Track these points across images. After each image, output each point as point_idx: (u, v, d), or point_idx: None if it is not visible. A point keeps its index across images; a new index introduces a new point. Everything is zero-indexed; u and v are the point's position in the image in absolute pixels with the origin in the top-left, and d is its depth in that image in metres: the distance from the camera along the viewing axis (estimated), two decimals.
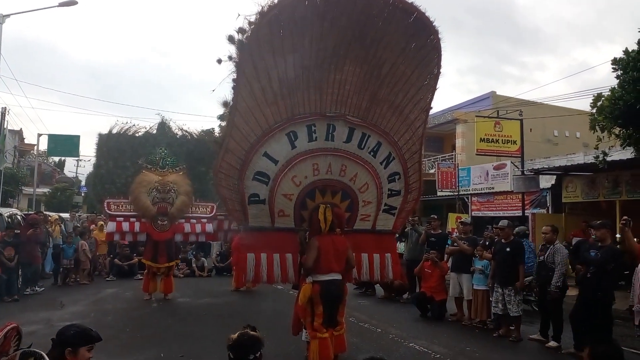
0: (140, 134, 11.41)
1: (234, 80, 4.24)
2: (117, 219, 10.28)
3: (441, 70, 4.62)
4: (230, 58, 4.13)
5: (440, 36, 4.36)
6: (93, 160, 11.68)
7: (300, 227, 5.10)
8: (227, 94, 4.44)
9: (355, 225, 5.27)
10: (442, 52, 4.49)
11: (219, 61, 4.18)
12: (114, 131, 11.29)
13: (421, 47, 4.40)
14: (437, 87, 4.79)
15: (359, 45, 4.28)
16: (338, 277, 4.94)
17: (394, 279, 6.31)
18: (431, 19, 4.25)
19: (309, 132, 4.64)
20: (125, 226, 10.21)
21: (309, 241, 5.02)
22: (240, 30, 4.06)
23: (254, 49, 4.11)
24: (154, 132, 11.52)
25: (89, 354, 2.67)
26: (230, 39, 4.11)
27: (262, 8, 3.93)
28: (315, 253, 4.82)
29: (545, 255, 6.92)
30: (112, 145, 11.20)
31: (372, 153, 4.92)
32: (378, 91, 4.62)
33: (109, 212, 10.50)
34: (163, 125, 11.65)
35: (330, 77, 4.42)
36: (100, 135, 11.29)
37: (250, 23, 4.01)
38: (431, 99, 4.84)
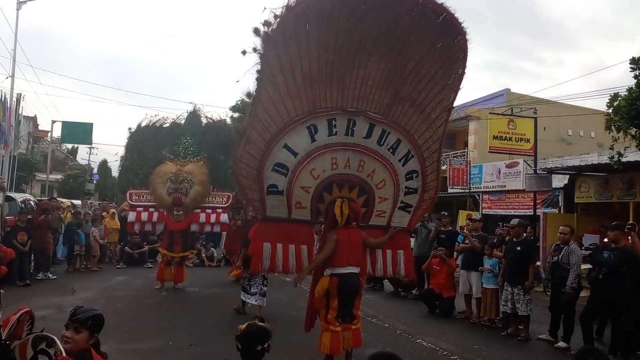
0: (167, 125, 11.45)
1: (258, 72, 4.25)
2: (137, 209, 10.50)
3: (466, 71, 4.59)
4: (254, 50, 4.14)
5: (467, 37, 4.35)
6: (121, 152, 11.72)
7: (316, 219, 5.13)
8: (249, 85, 4.48)
9: (370, 221, 5.27)
10: (468, 52, 4.48)
11: (244, 52, 4.18)
12: (143, 124, 11.35)
13: (448, 46, 4.38)
14: (460, 87, 4.75)
15: (384, 42, 4.28)
16: (356, 270, 4.97)
17: (405, 277, 6.28)
18: (460, 20, 4.23)
19: (330, 126, 4.66)
20: (144, 216, 10.40)
21: (325, 234, 5.04)
22: (266, 23, 4.07)
23: (279, 42, 4.12)
24: (181, 122, 11.54)
25: (62, 332, 2.66)
26: (256, 31, 4.11)
27: (289, 2, 3.94)
28: (332, 245, 4.86)
29: (560, 256, 6.83)
30: (139, 138, 11.28)
31: (391, 150, 4.91)
32: (401, 89, 4.60)
33: (131, 202, 10.72)
34: (194, 115, 11.67)
35: (353, 72, 4.42)
36: (131, 131, 11.38)
37: (276, 16, 4.00)
38: (454, 98, 4.82)
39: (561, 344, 6.68)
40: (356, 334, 5.06)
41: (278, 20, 4.00)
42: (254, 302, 7.68)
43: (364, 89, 4.53)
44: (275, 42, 4.12)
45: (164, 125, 11.40)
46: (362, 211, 5.16)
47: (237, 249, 9.44)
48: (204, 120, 11.74)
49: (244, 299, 7.89)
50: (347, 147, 4.83)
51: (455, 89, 4.73)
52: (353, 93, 4.54)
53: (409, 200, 5.23)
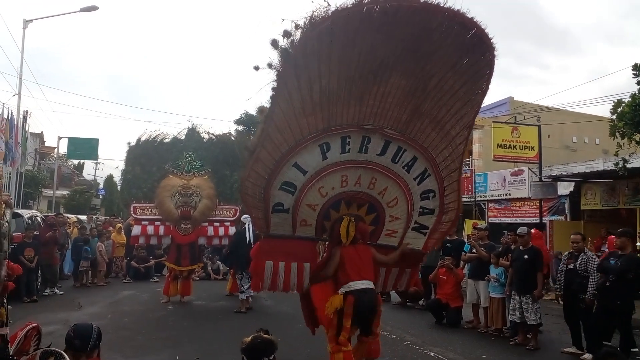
0: (168, 140, 11.55)
1: (273, 89, 4.02)
2: (142, 222, 10.49)
3: (490, 87, 4.35)
4: (270, 66, 3.93)
5: (496, 52, 4.09)
6: (121, 166, 11.79)
7: (320, 237, 4.99)
8: (261, 100, 4.20)
9: (379, 240, 5.07)
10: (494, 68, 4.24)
11: (256, 68, 3.99)
12: (143, 139, 11.45)
13: (474, 62, 4.14)
14: (482, 103, 4.53)
15: (409, 58, 4.07)
16: (371, 285, 4.76)
17: (406, 289, 6.20)
18: (490, 35, 3.98)
19: (343, 143, 4.45)
20: (150, 229, 10.39)
21: (329, 251, 4.93)
22: (286, 34, 3.83)
23: (299, 60, 3.89)
24: (182, 137, 11.65)
25: None
26: (274, 43, 3.88)
27: (313, 18, 3.69)
28: (336, 262, 4.73)
29: (577, 264, 6.72)
30: (140, 152, 11.36)
31: (405, 168, 4.68)
32: (421, 105, 4.35)
33: (135, 215, 10.70)
34: (193, 132, 11.77)
35: (373, 89, 4.19)
36: (130, 146, 11.47)
37: (297, 26, 3.75)
38: (475, 115, 4.56)
39: (587, 356, 6.45)
40: (375, 345, 4.91)
41: (300, 37, 3.75)
42: (246, 296, 9.18)
43: (383, 105, 4.29)
44: (295, 60, 3.88)
45: (165, 141, 11.49)
46: (370, 229, 4.97)
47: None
48: (206, 136, 11.82)
49: (241, 298, 9.18)
50: (359, 165, 4.61)
51: (478, 106, 4.47)
52: (371, 110, 4.30)
53: (424, 221, 4.97)
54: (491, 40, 4.01)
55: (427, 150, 4.61)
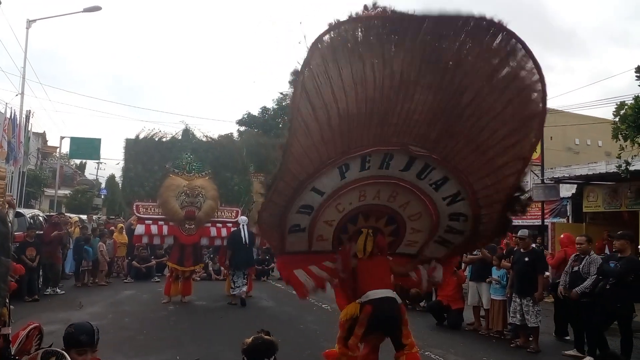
0: (166, 139, 11.57)
1: (289, 121, 3.85)
2: (146, 221, 10.43)
3: (547, 111, 3.76)
4: (284, 96, 3.81)
5: (539, 62, 3.48)
6: (121, 164, 11.76)
7: (336, 250, 4.81)
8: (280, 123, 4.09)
9: (398, 250, 4.91)
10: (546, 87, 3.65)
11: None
12: (141, 136, 11.46)
13: (514, 76, 3.58)
14: (541, 133, 3.99)
15: (430, 69, 3.63)
16: (391, 294, 4.61)
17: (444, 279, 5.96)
18: (522, 40, 3.41)
19: (363, 162, 4.14)
20: (154, 229, 10.35)
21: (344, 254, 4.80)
22: (295, 73, 3.55)
23: (308, 84, 3.56)
24: (180, 137, 11.68)
25: (80, 357, 2.66)
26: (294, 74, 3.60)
27: (314, 40, 3.38)
28: (353, 263, 4.66)
29: (581, 266, 6.73)
30: (140, 150, 11.33)
31: (433, 186, 4.29)
32: (455, 123, 3.89)
33: (138, 214, 10.64)
34: (187, 132, 11.80)
35: (397, 107, 3.80)
36: (128, 140, 11.44)
37: (311, 49, 3.43)
38: (531, 148, 3.96)
39: (588, 359, 6.44)
40: (414, 357, 4.61)
41: (304, 59, 3.46)
42: (239, 292, 9.91)
43: (408, 122, 3.91)
44: (306, 89, 3.59)
45: (163, 140, 11.50)
46: (388, 241, 4.81)
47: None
48: (203, 138, 11.84)
49: (235, 293, 9.90)
50: (379, 179, 4.32)
51: (534, 135, 3.90)
52: (394, 129, 3.93)
53: (450, 238, 4.65)
54: (528, 47, 3.46)
55: (462, 172, 4.14)
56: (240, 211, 10.94)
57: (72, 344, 2.64)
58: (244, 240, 9.97)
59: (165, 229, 10.34)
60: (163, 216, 10.30)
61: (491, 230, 4.47)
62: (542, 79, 3.54)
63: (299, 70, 3.50)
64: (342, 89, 3.61)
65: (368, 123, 3.86)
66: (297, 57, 3.49)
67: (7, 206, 2.50)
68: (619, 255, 6.15)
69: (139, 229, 10.60)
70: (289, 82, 3.61)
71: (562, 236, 8.84)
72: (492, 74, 3.60)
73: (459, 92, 3.70)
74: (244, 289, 10.04)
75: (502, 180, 4.06)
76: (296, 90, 3.57)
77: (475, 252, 8.35)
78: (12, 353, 2.38)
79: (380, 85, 3.63)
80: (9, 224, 2.76)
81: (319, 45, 3.42)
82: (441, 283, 5.59)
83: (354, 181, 4.27)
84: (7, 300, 2.83)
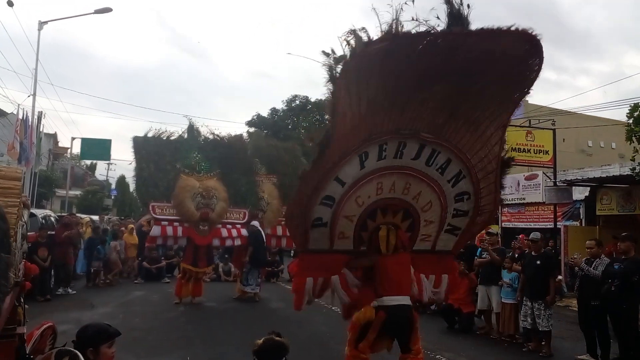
0: (174, 137, 11.59)
1: (331, 113, 3.97)
2: (162, 223, 10.39)
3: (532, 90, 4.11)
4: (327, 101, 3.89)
5: (543, 58, 3.81)
6: (133, 164, 11.71)
7: (358, 249, 4.85)
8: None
9: (415, 246, 4.98)
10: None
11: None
12: (149, 135, 11.48)
13: (522, 70, 3.94)
14: (520, 103, 4.36)
15: (459, 72, 3.89)
16: (406, 301, 4.66)
17: (445, 301, 6.03)
18: (541, 43, 3.67)
19: (380, 150, 4.36)
20: (169, 230, 10.32)
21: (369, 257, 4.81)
22: (333, 53, 3.77)
23: (351, 75, 3.77)
24: (186, 136, 11.69)
25: (110, 350, 2.67)
26: (329, 69, 3.78)
27: (371, 37, 3.52)
28: (368, 263, 4.68)
29: (592, 269, 6.66)
30: (151, 149, 11.32)
31: (439, 170, 4.56)
32: (459, 107, 4.22)
33: (155, 215, 10.60)
34: (192, 129, 11.79)
35: (415, 96, 4.07)
36: (136, 139, 11.40)
37: (348, 43, 3.60)
38: (510, 114, 4.41)
39: None
40: None
41: (354, 54, 3.63)
42: (251, 290, 10.35)
43: (422, 110, 4.17)
44: (347, 76, 3.77)
45: (171, 138, 11.51)
46: (408, 236, 4.87)
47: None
48: (210, 136, 11.80)
49: (243, 290, 10.32)
50: (394, 170, 4.52)
51: (514, 105, 4.31)
52: (410, 115, 4.18)
53: (457, 222, 4.88)
54: (542, 50, 3.74)
55: (462, 151, 4.46)
56: (247, 212, 10.97)
57: (103, 339, 2.65)
58: (264, 239, 10.16)
59: (179, 230, 10.33)
60: (178, 217, 10.29)
61: (491, 203, 4.78)
62: (539, 69, 3.85)
63: (349, 62, 3.65)
64: (376, 80, 3.82)
65: (389, 109, 4.10)
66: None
67: (21, 206, 2.51)
68: (623, 256, 6.13)
69: (155, 230, 10.54)
70: (333, 72, 3.75)
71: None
72: (505, 72, 3.91)
73: (472, 84, 4.01)
74: (257, 290, 10.48)
75: (492, 150, 4.50)
76: (341, 80, 3.75)
77: (484, 255, 8.31)
78: (27, 352, 2.39)
79: (407, 78, 3.85)
80: (24, 223, 2.78)
81: (377, 47, 3.55)
82: (445, 299, 5.67)
83: (372, 171, 4.48)
84: (22, 300, 2.86)
